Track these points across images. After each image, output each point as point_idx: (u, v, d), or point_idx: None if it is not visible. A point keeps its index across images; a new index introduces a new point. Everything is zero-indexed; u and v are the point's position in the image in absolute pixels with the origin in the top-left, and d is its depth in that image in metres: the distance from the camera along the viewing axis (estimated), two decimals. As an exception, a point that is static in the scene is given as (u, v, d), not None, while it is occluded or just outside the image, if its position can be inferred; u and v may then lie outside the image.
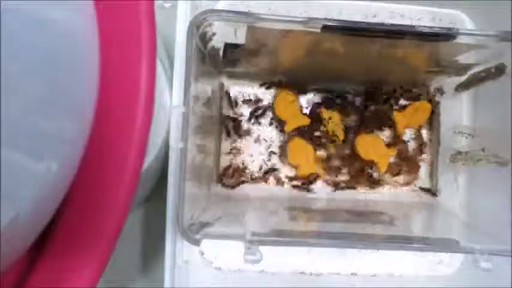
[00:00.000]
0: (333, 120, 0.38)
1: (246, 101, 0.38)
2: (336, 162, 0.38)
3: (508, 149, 0.32)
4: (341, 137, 0.38)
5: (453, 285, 0.36)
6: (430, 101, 0.39)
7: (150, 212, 0.37)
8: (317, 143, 0.38)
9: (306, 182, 0.38)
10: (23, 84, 0.13)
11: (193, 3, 0.30)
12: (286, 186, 0.38)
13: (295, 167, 0.38)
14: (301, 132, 0.38)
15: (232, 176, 0.37)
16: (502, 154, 0.33)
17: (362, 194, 0.38)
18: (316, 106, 0.38)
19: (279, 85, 0.38)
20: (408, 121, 0.38)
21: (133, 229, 0.37)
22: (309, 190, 0.38)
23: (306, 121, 0.37)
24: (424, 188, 0.39)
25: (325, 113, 0.38)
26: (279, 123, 0.38)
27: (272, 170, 0.38)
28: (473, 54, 0.32)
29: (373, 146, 0.38)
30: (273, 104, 0.38)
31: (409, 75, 0.38)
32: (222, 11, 0.28)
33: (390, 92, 0.39)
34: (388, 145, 0.38)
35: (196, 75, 0.28)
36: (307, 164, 0.37)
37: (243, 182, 0.37)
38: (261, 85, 0.38)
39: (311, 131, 0.38)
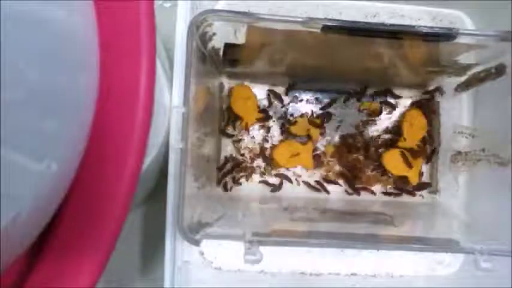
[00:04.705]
0: (303, 119, 0.38)
1: None
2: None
3: (508, 149, 0.32)
4: (303, 132, 0.38)
5: (453, 285, 0.36)
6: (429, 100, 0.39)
7: (150, 212, 0.37)
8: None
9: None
10: (23, 84, 0.13)
11: (193, 3, 0.30)
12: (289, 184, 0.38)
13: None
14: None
15: (232, 170, 0.37)
16: (502, 154, 0.33)
17: (362, 194, 0.38)
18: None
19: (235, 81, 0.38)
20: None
21: (133, 229, 0.37)
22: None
23: (264, 118, 0.38)
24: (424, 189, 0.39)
25: (304, 107, 0.38)
26: (237, 120, 0.38)
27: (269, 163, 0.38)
28: (473, 54, 0.32)
29: (399, 161, 0.38)
30: (229, 101, 0.37)
31: (409, 75, 0.38)
32: (222, 11, 0.28)
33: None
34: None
35: (196, 75, 0.28)
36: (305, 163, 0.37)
37: (241, 179, 0.37)
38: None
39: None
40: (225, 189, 0.37)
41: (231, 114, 0.37)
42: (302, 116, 0.38)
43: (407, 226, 0.35)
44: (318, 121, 0.38)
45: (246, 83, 0.38)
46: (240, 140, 0.38)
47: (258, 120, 0.38)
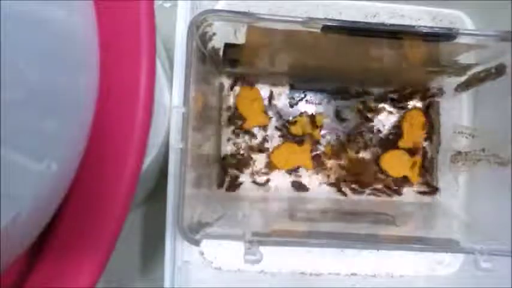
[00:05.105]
0: (303, 119, 0.38)
1: None
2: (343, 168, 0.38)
3: (508, 149, 0.32)
4: (303, 132, 0.38)
5: (453, 285, 0.36)
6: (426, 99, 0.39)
7: (150, 212, 0.37)
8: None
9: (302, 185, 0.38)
10: (23, 84, 0.13)
11: (193, 3, 0.30)
12: (286, 186, 0.38)
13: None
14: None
15: (231, 170, 0.37)
16: (502, 154, 0.33)
17: (362, 194, 0.38)
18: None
19: (244, 82, 0.38)
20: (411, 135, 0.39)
21: (133, 229, 0.37)
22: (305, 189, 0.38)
23: (267, 121, 0.38)
24: (424, 189, 0.39)
25: (304, 107, 0.38)
26: (240, 120, 0.38)
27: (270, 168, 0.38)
28: (473, 54, 0.32)
29: (399, 161, 0.38)
30: (235, 101, 0.38)
31: (409, 75, 0.38)
32: (222, 11, 0.28)
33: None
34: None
35: (196, 75, 0.28)
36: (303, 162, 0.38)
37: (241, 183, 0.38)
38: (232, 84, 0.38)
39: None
40: (225, 189, 0.37)
41: (235, 114, 0.37)
42: (302, 115, 0.38)
43: (407, 226, 0.35)
44: (318, 121, 0.38)
45: (245, 84, 0.38)
46: (240, 140, 0.38)
47: (262, 122, 0.38)
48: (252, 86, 0.38)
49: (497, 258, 0.27)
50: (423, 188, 0.38)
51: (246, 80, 0.38)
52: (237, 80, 0.38)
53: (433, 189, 0.38)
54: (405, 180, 0.38)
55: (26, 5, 0.13)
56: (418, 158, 0.38)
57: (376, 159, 0.38)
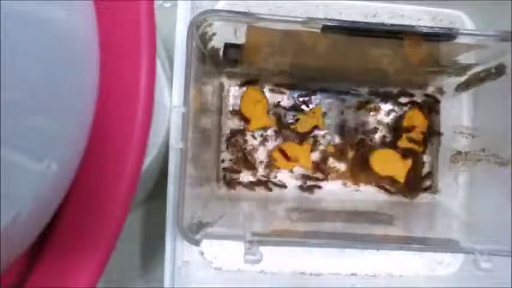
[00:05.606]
0: (307, 114, 0.38)
1: None
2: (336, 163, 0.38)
3: (508, 149, 0.32)
4: (302, 130, 0.38)
5: (453, 285, 0.36)
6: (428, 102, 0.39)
7: (150, 212, 0.37)
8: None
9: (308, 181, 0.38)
10: (23, 84, 0.13)
11: (193, 3, 0.30)
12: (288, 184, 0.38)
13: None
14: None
15: (231, 170, 0.37)
16: (502, 154, 0.33)
17: (362, 194, 0.38)
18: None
19: (250, 83, 0.38)
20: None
21: (133, 229, 0.37)
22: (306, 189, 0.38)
23: (271, 123, 0.38)
24: (424, 188, 0.39)
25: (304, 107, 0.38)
26: (244, 121, 0.38)
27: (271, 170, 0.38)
28: (473, 54, 0.32)
29: (389, 161, 0.38)
30: (239, 101, 0.38)
31: (409, 75, 0.38)
32: (222, 11, 0.28)
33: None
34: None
35: (196, 75, 0.28)
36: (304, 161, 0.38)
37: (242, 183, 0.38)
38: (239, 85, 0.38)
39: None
40: (225, 189, 0.37)
41: (238, 115, 0.37)
42: (305, 112, 0.38)
43: (407, 226, 0.35)
44: (318, 121, 0.38)
45: (240, 81, 0.38)
46: (241, 140, 0.38)
47: (266, 123, 0.38)
48: (258, 87, 0.38)
49: (497, 258, 0.27)
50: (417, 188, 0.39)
51: (252, 81, 0.38)
52: (242, 80, 0.38)
53: (433, 189, 0.38)
54: (398, 181, 0.38)
55: (26, 5, 0.13)
56: (414, 159, 0.38)
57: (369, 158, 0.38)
